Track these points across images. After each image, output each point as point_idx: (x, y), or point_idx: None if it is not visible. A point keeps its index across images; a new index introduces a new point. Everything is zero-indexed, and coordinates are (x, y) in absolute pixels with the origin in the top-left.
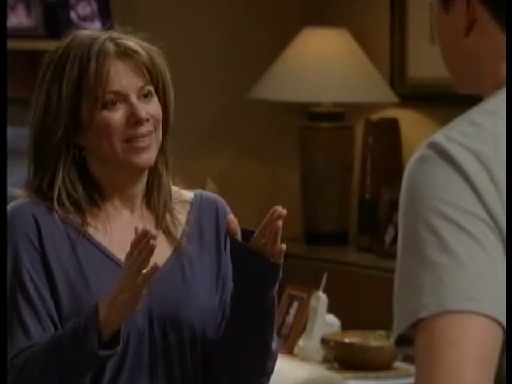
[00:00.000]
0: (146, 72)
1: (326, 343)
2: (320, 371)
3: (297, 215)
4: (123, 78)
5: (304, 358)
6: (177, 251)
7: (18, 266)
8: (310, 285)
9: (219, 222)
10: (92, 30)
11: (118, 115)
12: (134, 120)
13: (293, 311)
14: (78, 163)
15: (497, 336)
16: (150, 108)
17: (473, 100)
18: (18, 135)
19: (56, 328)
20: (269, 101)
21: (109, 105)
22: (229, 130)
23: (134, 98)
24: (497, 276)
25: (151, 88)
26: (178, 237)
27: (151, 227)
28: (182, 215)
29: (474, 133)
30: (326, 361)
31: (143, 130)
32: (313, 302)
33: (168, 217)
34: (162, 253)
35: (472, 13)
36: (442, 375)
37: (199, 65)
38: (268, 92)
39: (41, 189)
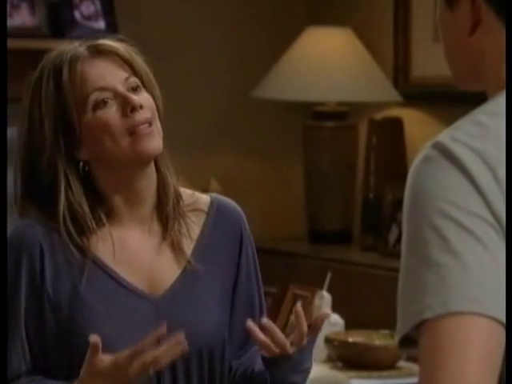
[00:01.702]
0: (126, 66)
1: (329, 342)
2: (324, 370)
3: (300, 214)
4: (105, 73)
5: None
6: (186, 270)
7: (15, 293)
8: (314, 284)
9: (232, 237)
10: (61, 47)
11: (112, 111)
12: (128, 108)
13: None
14: (81, 179)
15: (500, 337)
16: (142, 98)
17: (476, 99)
18: None
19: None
20: (273, 100)
21: (100, 104)
22: (233, 129)
23: (122, 89)
24: (501, 277)
25: (137, 80)
26: (189, 253)
27: (157, 241)
28: (196, 226)
29: (479, 133)
30: (329, 360)
31: (140, 117)
32: (317, 301)
33: (180, 228)
34: (169, 271)
35: (477, 12)
36: (446, 377)
37: (203, 64)
38: (272, 91)
39: (43, 210)
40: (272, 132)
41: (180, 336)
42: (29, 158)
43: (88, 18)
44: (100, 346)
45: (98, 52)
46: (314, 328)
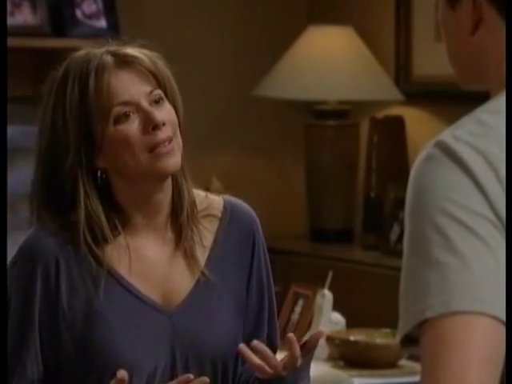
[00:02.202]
0: (151, 76)
1: (331, 341)
2: (325, 369)
3: (302, 213)
4: (129, 86)
5: None
6: (200, 281)
7: (26, 311)
8: (315, 283)
9: (252, 246)
10: (87, 48)
11: (133, 126)
12: (150, 126)
13: (298, 309)
14: (99, 188)
15: (503, 336)
16: (164, 113)
17: (478, 97)
18: (24, 133)
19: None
20: (274, 99)
21: (122, 118)
22: (234, 127)
23: (145, 104)
24: (503, 276)
25: (161, 92)
26: (203, 262)
27: (171, 249)
28: (209, 233)
29: (481, 132)
30: (331, 358)
31: (162, 135)
32: (318, 299)
33: (193, 236)
34: (183, 281)
35: (478, 11)
36: (448, 376)
37: (205, 63)
38: (273, 90)
39: (60, 217)
40: (273, 130)
41: (204, 380)
42: (50, 160)
43: (89, 16)
44: (126, 380)
45: (124, 62)
46: (309, 347)
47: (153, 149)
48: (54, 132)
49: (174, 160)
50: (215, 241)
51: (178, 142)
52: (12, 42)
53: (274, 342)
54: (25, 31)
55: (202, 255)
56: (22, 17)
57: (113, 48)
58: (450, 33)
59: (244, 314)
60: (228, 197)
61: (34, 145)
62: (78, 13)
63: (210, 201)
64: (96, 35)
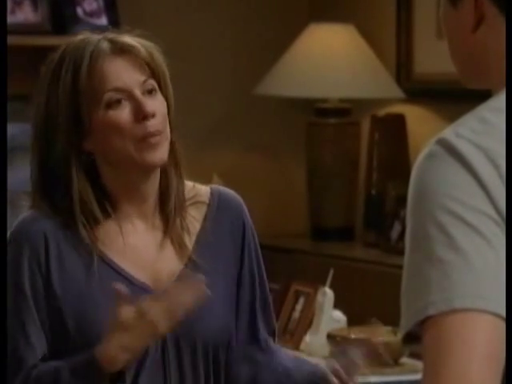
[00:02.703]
0: (146, 67)
1: (332, 339)
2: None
3: (303, 211)
4: (124, 73)
5: (310, 354)
6: (188, 266)
7: (18, 287)
8: (316, 280)
9: (235, 228)
10: (85, 33)
11: (124, 113)
12: (141, 115)
13: (299, 307)
14: (88, 170)
15: (504, 334)
16: (156, 104)
17: (480, 95)
18: (24, 131)
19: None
20: (275, 97)
21: (113, 104)
22: (235, 125)
23: (138, 93)
24: (504, 274)
25: (154, 83)
26: (191, 247)
27: (160, 236)
28: (196, 221)
29: (483, 130)
30: (332, 356)
31: (151, 127)
32: (319, 297)
33: (180, 223)
34: (172, 266)
35: (480, 9)
36: (450, 374)
37: (205, 60)
38: (274, 88)
39: (53, 200)
40: (274, 128)
41: (200, 277)
42: (44, 139)
43: (90, 14)
44: (125, 293)
45: (120, 50)
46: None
47: (141, 139)
48: (47, 114)
49: (160, 152)
50: (203, 227)
51: (167, 134)
52: (13, 40)
53: (271, 325)
54: (26, 29)
55: (189, 242)
56: (22, 15)
57: (111, 35)
58: (452, 31)
59: (235, 300)
60: (215, 185)
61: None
62: (79, 11)
63: (197, 190)
64: None
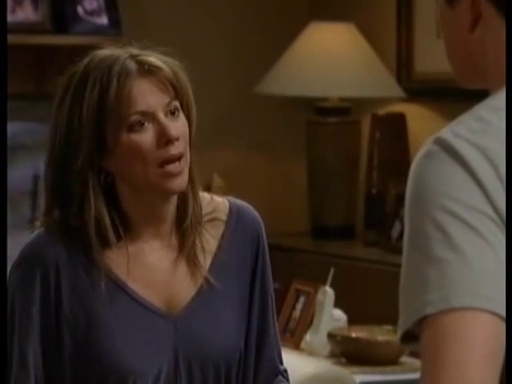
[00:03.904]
0: (170, 88)
1: (332, 338)
2: (327, 366)
3: (303, 210)
4: (149, 96)
5: (311, 353)
6: (203, 286)
7: (27, 309)
8: (317, 279)
9: (257, 249)
10: (110, 48)
11: (147, 137)
12: (164, 140)
13: (299, 306)
14: (104, 191)
15: (503, 333)
16: (179, 126)
17: (480, 94)
18: (25, 130)
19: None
20: (276, 95)
21: (136, 126)
22: (236, 124)
23: (162, 116)
24: (503, 272)
25: (177, 104)
26: (207, 268)
27: (175, 255)
28: (213, 239)
29: (481, 129)
30: (332, 355)
31: (175, 151)
32: (319, 296)
33: (196, 242)
34: (187, 288)
35: (477, 8)
36: (448, 373)
37: (206, 60)
38: (275, 87)
39: (66, 221)
40: (275, 127)
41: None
42: (61, 159)
43: (91, 13)
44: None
45: (147, 71)
46: None
47: (163, 164)
48: (68, 131)
49: (181, 180)
50: (219, 247)
51: (187, 158)
52: (13, 38)
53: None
54: (26, 28)
55: (204, 261)
56: (23, 14)
57: (136, 52)
58: (449, 31)
59: (246, 319)
60: (233, 199)
61: (37, 141)
62: (80, 9)
63: (215, 204)
64: (97, 32)
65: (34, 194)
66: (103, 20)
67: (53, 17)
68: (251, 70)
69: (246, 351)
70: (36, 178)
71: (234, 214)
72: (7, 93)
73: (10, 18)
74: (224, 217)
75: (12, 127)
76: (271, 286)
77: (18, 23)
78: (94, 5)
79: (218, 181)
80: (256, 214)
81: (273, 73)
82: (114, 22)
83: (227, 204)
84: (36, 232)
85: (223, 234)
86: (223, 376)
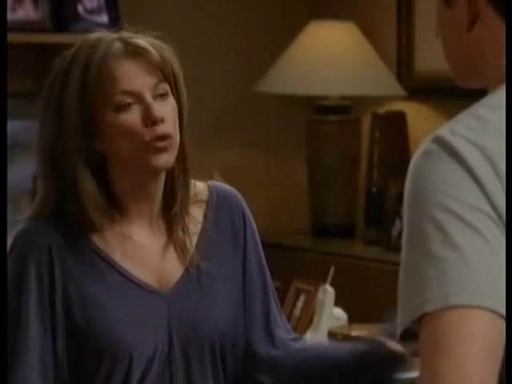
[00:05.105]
0: (158, 70)
1: (333, 336)
2: None
3: (304, 208)
4: (134, 77)
5: None
6: (192, 265)
7: (22, 296)
8: (317, 278)
9: (236, 222)
10: (103, 31)
11: (134, 117)
12: (149, 120)
13: (300, 304)
14: (95, 171)
15: (501, 330)
16: (166, 109)
17: (480, 93)
18: (25, 128)
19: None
20: (276, 94)
21: (124, 107)
22: (236, 123)
23: (148, 97)
24: (501, 270)
25: (167, 86)
26: (193, 248)
27: (164, 241)
28: (197, 221)
29: (479, 127)
30: None
31: (159, 131)
32: (320, 295)
33: (182, 227)
34: (174, 268)
35: (475, 7)
36: (447, 371)
37: (206, 58)
38: (275, 85)
39: (58, 202)
40: (275, 126)
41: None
42: (53, 140)
43: (91, 11)
44: None
45: (133, 52)
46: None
47: (148, 142)
48: (56, 110)
49: (165, 158)
50: (203, 227)
51: (176, 139)
52: (13, 37)
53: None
54: (26, 26)
55: (190, 244)
56: (23, 12)
57: (126, 35)
58: (447, 30)
59: (242, 292)
60: (212, 181)
61: (34, 139)
62: (80, 8)
63: (196, 188)
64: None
65: (34, 193)
66: (103, 18)
67: (53, 15)
68: (251, 69)
69: (246, 325)
70: (36, 177)
71: (214, 194)
72: (7, 91)
73: (10, 16)
74: (205, 197)
75: (12, 125)
76: (263, 257)
77: (18, 22)
78: (94, 3)
79: (218, 179)
80: (235, 191)
81: (273, 71)
82: (114, 20)
83: (206, 186)
84: (26, 217)
85: (206, 214)
86: (218, 355)
